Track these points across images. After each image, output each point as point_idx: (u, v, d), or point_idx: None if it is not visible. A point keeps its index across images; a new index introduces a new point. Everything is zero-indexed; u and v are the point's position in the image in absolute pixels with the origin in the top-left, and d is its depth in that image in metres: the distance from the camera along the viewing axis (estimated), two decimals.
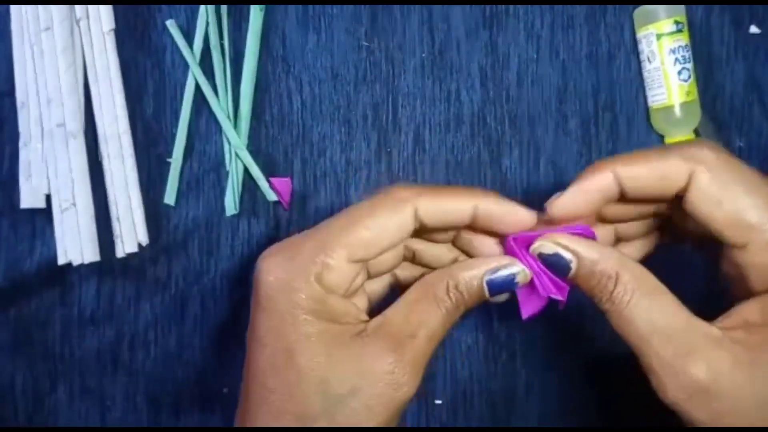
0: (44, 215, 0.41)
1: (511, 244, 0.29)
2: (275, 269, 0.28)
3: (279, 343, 0.27)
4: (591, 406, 0.42)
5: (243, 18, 0.42)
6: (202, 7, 0.41)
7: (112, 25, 0.41)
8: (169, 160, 0.42)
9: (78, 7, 0.41)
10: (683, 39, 0.40)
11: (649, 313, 0.26)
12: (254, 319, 0.28)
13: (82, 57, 0.41)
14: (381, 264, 0.31)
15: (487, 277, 0.29)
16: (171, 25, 0.41)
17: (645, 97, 0.42)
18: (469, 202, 0.29)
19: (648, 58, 0.41)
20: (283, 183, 0.42)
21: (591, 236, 0.29)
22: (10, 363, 0.42)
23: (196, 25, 0.42)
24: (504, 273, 0.29)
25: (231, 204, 0.41)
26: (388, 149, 0.42)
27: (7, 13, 0.41)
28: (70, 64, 0.41)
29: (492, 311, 0.42)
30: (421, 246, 0.32)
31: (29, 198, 0.41)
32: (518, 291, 0.30)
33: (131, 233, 0.41)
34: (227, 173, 0.42)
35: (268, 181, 0.42)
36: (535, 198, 0.42)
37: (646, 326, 0.26)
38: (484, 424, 0.42)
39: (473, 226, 0.30)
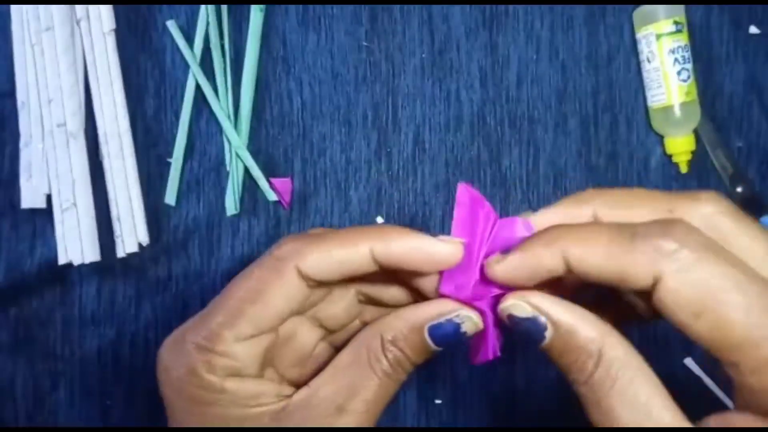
0: (45, 215, 0.41)
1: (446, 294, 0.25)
2: (167, 362, 0.25)
3: None
4: None
5: (243, 18, 0.42)
6: (203, 7, 0.41)
7: (113, 26, 0.41)
8: (169, 160, 0.42)
9: (79, 8, 0.41)
10: (683, 39, 0.40)
11: (633, 405, 0.22)
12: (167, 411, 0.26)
13: (82, 57, 0.41)
14: (334, 319, 0.28)
15: (428, 326, 0.24)
16: (171, 25, 0.42)
17: (644, 98, 0.42)
18: (360, 246, 0.24)
19: (647, 59, 0.41)
20: (284, 183, 0.42)
21: None
22: (10, 362, 0.42)
23: (196, 25, 0.42)
24: (451, 322, 0.24)
25: (231, 204, 0.41)
26: (388, 149, 0.42)
27: (8, 13, 0.41)
28: (70, 64, 0.41)
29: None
30: (370, 290, 0.28)
31: (30, 198, 0.41)
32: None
33: (132, 233, 0.41)
34: (228, 173, 0.42)
35: (269, 181, 0.42)
36: (535, 198, 0.42)
37: (626, 419, 0.22)
38: (483, 424, 0.42)
39: (389, 271, 0.25)
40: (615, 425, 0.22)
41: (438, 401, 0.42)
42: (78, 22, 0.41)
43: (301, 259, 0.24)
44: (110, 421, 0.42)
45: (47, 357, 0.42)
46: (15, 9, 0.41)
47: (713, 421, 0.22)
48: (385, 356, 0.24)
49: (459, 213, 0.25)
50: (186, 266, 0.42)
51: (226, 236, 0.42)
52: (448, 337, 0.24)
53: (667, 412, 0.22)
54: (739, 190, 0.41)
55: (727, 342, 0.20)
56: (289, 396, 0.25)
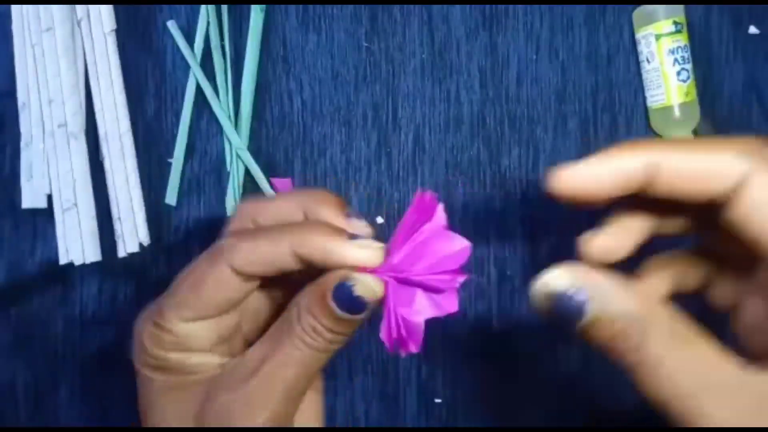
0: (46, 215, 0.41)
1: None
2: (134, 333, 0.28)
3: (141, 399, 0.28)
4: (592, 406, 0.42)
5: (243, 18, 0.42)
6: (203, 7, 0.42)
7: (113, 26, 0.41)
8: (170, 160, 0.42)
9: (79, 8, 0.41)
10: (682, 39, 0.40)
11: (692, 363, 0.21)
12: None
13: (83, 57, 0.41)
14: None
15: (330, 292, 0.24)
16: (172, 25, 0.42)
17: (644, 98, 0.42)
18: (282, 244, 0.25)
19: (647, 59, 0.41)
20: (284, 183, 0.42)
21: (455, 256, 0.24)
22: (11, 362, 0.42)
23: (196, 25, 0.42)
24: (344, 285, 0.24)
25: (232, 204, 0.42)
26: (388, 149, 0.42)
27: (9, 13, 0.41)
28: (71, 64, 0.41)
29: (492, 311, 0.42)
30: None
31: (31, 198, 0.41)
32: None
33: (132, 233, 0.41)
34: (228, 173, 0.42)
35: (269, 182, 0.42)
36: (535, 198, 0.42)
37: (690, 383, 0.21)
38: (484, 423, 0.42)
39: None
40: (676, 391, 0.21)
41: (438, 401, 0.42)
42: (78, 23, 0.41)
43: (233, 256, 0.26)
44: (110, 421, 0.42)
45: (48, 357, 0.42)
46: (15, 9, 0.41)
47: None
48: (300, 323, 0.25)
49: (408, 216, 0.25)
50: (187, 266, 0.42)
51: None
52: (346, 301, 0.24)
53: (727, 359, 0.21)
54: None
55: None
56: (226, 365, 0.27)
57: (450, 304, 0.25)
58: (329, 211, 0.27)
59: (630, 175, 0.22)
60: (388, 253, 0.25)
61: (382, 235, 0.43)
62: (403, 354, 0.25)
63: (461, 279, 0.25)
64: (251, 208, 0.28)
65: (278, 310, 0.29)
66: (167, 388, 0.27)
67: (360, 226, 0.27)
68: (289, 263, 0.25)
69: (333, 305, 0.24)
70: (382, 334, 0.25)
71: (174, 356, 0.27)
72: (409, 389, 0.42)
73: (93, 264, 0.40)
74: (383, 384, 0.42)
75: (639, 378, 0.22)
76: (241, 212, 0.29)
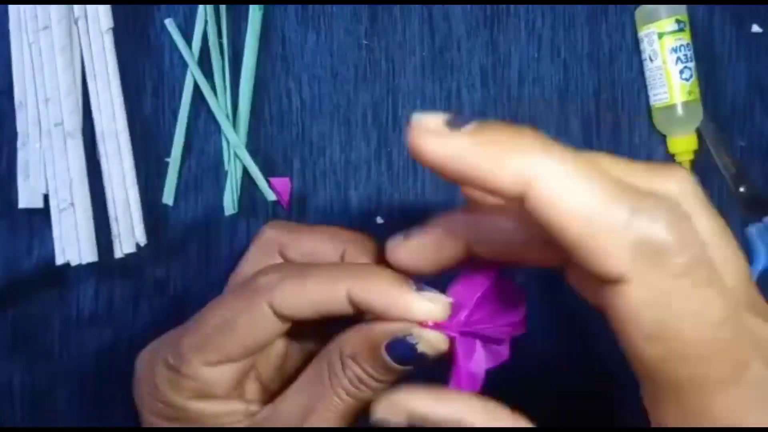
0: (42, 215, 0.41)
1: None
2: (139, 374, 0.25)
3: None
4: (592, 406, 0.42)
5: (242, 17, 0.42)
6: (201, 6, 0.41)
7: (111, 24, 0.41)
8: (167, 159, 0.42)
9: (76, 6, 0.41)
10: (685, 38, 0.40)
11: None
12: None
13: (80, 56, 0.41)
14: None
15: (385, 343, 0.22)
16: (170, 24, 0.41)
17: (647, 97, 0.42)
18: (338, 287, 0.23)
19: (650, 58, 0.41)
20: (283, 183, 0.41)
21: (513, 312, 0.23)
22: (7, 363, 0.42)
23: (194, 24, 0.42)
24: (405, 341, 0.22)
25: (230, 204, 0.41)
26: (388, 149, 0.42)
27: (5, 12, 0.41)
28: (68, 63, 0.40)
29: None
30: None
31: (27, 198, 0.41)
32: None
33: (129, 233, 0.41)
34: (226, 173, 0.42)
35: (267, 181, 0.41)
36: None
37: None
38: None
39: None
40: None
41: None
42: (75, 21, 0.41)
43: (274, 295, 0.23)
44: (108, 421, 0.42)
45: (45, 358, 0.42)
46: (12, 8, 0.41)
47: None
48: (345, 373, 0.23)
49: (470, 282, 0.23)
50: (184, 266, 0.42)
51: (225, 236, 0.42)
52: (405, 357, 0.23)
53: None
54: (742, 189, 0.41)
55: (670, 379, 0.18)
56: (255, 414, 0.24)
57: (504, 353, 0.24)
58: (373, 257, 0.24)
59: (456, 252, 0.21)
60: (454, 308, 0.23)
61: (382, 235, 0.42)
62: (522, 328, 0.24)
63: (520, 332, 0.24)
64: (279, 235, 0.26)
65: (298, 351, 0.27)
66: None
67: (436, 296, 0.23)
68: (341, 308, 0.23)
69: (387, 357, 0.23)
70: (452, 384, 0.24)
71: (195, 405, 0.24)
72: None
73: (89, 264, 0.40)
74: None
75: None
76: (265, 242, 0.26)
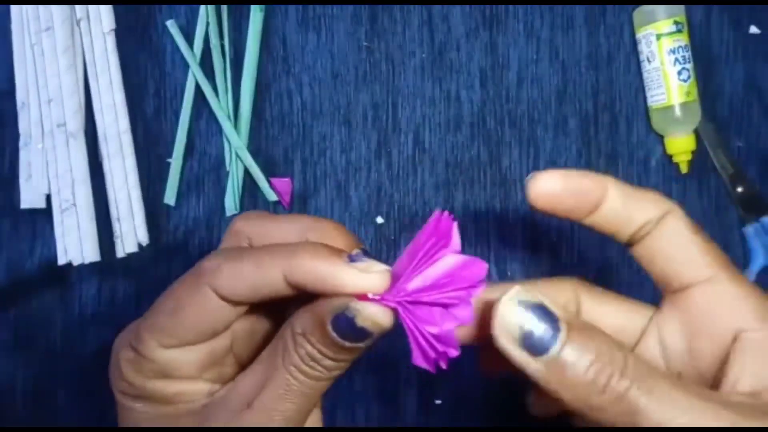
0: (44, 215, 0.41)
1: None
2: (112, 354, 0.25)
3: (122, 425, 0.25)
4: None
5: (243, 18, 0.42)
6: (202, 7, 0.41)
7: (113, 26, 0.41)
8: (169, 160, 0.42)
9: (78, 8, 0.41)
10: (683, 39, 0.40)
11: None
12: None
13: (82, 57, 0.41)
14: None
15: (330, 319, 0.22)
16: (171, 25, 0.41)
17: (645, 98, 0.42)
18: (273, 268, 0.22)
19: (647, 59, 0.41)
20: (284, 183, 0.42)
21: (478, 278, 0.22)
22: (10, 362, 0.42)
23: (196, 25, 0.42)
24: (344, 315, 0.22)
25: (231, 204, 0.41)
26: (388, 149, 0.42)
27: (8, 13, 0.41)
28: (70, 64, 0.41)
29: None
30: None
31: (29, 198, 0.41)
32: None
33: (131, 233, 0.41)
34: (227, 173, 0.42)
35: (269, 182, 0.42)
36: None
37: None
38: (484, 424, 0.42)
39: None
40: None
41: (438, 401, 0.42)
42: (78, 22, 0.41)
43: (216, 280, 0.23)
44: (110, 421, 0.42)
45: (47, 357, 0.42)
46: (15, 9, 0.41)
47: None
48: (296, 351, 0.23)
49: (422, 237, 0.22)
50: (186, 266, 0.41)
51: None
52: (348, 331, 0.22)
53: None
54: (739, 190, 0.41)
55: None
56: (213, 394, 0.25)
57: (465, 316, 0.23)
58: (334, 241, 0.24)
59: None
60: (395, 277, 0.22)
61: (381, 236, 0.43)
62: (445, 366, 0.23)
63: (475, 291, 0.23)
64: (247, 226, 0.26)
65: (275, 330, 0.27)
66: (150, 418, 0.25)
67: (370, 265, 0.23)
68: (280, 289, 0.23)
69: (333, 334, 0.22)
70: (416, 360, 0.23)
71: (155, 385, 0.24)
72: (409, 389, 0.42)
73: (92, 264, 0.40)
74: (383, 384, 0.42)
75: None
76: (235, 230, 0.26)
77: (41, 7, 0.40)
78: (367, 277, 0.22)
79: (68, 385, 0.42)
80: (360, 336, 0.22)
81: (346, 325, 0.22)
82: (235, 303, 0.24)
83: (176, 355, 0.24)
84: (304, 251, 0.22)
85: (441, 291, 0.22)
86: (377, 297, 0.22)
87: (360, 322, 0.22)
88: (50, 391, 0.42)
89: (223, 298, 0.23)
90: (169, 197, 0.42)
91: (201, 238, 0.42)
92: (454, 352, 0.22)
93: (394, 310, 0.22)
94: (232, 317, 0.24)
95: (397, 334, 0.41)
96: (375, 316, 0.22)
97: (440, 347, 0.22)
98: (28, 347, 0.42)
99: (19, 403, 0.42)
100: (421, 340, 0.22)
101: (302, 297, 0.23)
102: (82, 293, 0.42)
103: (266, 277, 0.23)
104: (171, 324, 0.24)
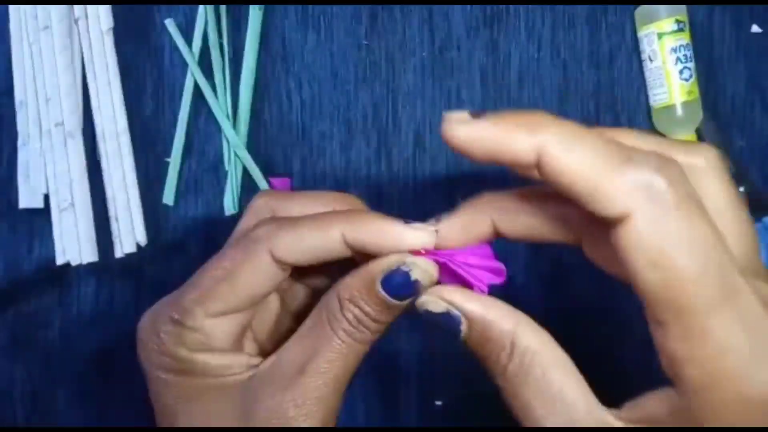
0: (42, 215, 0.41)
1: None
2: (143, 335, 0.26)
3: (160, 404, 0.26)
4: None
5: (242, 17, 0.42)
6: (201, 6, 0.41)
7: (111, 25, 0.41)
8: (167, 159, 0.42)
9: (77, 7, 0.41)
10: (684, 38, 0.40)
11: (546, 396, 0.22)
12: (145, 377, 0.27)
13: (80, 56, 0.41)
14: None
15: (380, 279, 0.24)
16: (170, 24, 0.41)
17: (646, 97, 0.42)
18: (332, 230, 0.24)
19: (649, 58, 0.41)
20: (283, 183, 0.41)
21: (494, 265, 0.25)
22: (8, 363, 0.42)
23: (195, 24, 0.42)
24: (400, 271, 0.24)
25: (230, 204, 0.41)
26: (388, 149, 0.42)
27: (6, 12, 0.41)
28: (68, 63, 0.40)
29: None
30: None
31: (27, 198, 0.41)
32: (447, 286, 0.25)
33: (130, 233, 0.41)
34: (226, 173, 0.42)
35: (268, 181, 0.41)
36: None
37: (541, 411, 0.22)
38: (484, 424, 0.42)
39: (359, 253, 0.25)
40: (531, 417, 0.23)
41: (438, 402, 0.42)
42: (76, 21, 0.41)
43: (274, 243, 0.24)
44: (108, 421, 0.42)
45: (45, 357, 0.42)
46: (13, 8, 0.41)
47: (627, 406, 0.22)
48: (344, 315, 0.24)
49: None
50: (184, 266, 0.42)
51: (225, 236, 0.41)
52: (400, 288, 0.24)
53: (582, 400, 0.23)
54: (741, 189, 0.41)
55: (670, 302, 0.19)
56: (257, 365, 0.26)
57: (500, 275, 0.26)
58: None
59: (518, 156, 0.21)
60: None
61: None
62: (502, 279, 0.25)
63: (497, 280, 0.25)
64: (270, 202, 0.27)
65: (288, 314, 0.29)
66: (193, 392, 0.25)
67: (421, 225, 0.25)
68: (337, 250, 0.24)
69: (383, 293, 0.24)
70: (480, 286, 0.25)
71: (200, 357, 0.25)
72: (409, 390, 0.42)
73: (90, 264, 0.40)
74: (383, 384, 0.42)
75: (504, 399, 0.24)
76: (258, 209, 0.27)
77: (39, 6, 0.40)
78: (422, 233, 0.24)
79: (67, 386, 0.42)
80: (410, 290, 0.24)
81: (398, 283, 0.24)
82: (288, 266, 0.25)
83: (219, 324, 0.25)
84: (362, 215, 0.25)
85: (468, 264, 0.25)
86: (429, 252, 0.24)
87: (415, 275, 0.24)
88: (48, 391, 0.42)
89: (278, 261, 0.25)
90: (168, 197, 0.42)
91: (200, 237, 0.42)
92: (502, 275, 0.25)
93: (441, 264, 0.24)
94: (278, 282, 0.26)
95: (397, 333, 0.41)
96: (429, 267, 0.24)
97: (484, 270, 0.25)
98: (26, 348, 0.42)
99: (18, 404, 0.42)
100: (464, 274, 0.25)
101: (340, 266, 0.25)
102: (80, 293, 0.42)
103: (325, 237, 0.24)
104: (222, 289, 0.25)
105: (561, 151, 0.20)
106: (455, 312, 0.24)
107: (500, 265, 0.25)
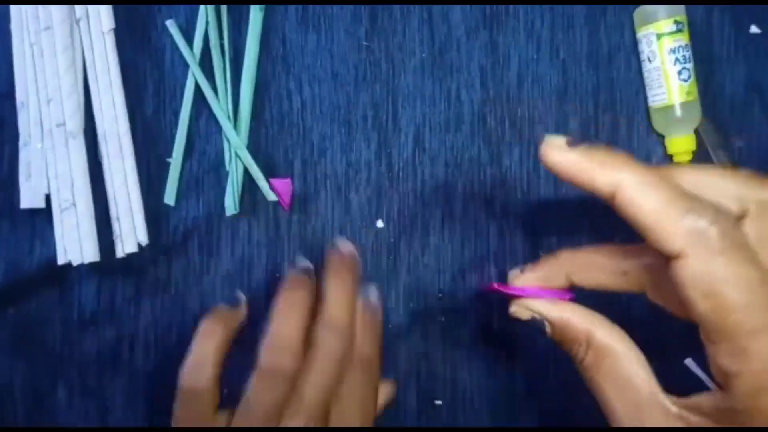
0: (44, 215, 0.41)
1: (495, 287, 0.33)
2: None
3: None
4: (591, 406, 0.42)
5: (243, 18, 0.42)
6: (202, 7, 0.41)
7: (112, 25, 0.41)
8: (168, 160, 0.42)
9: (78, 7, 0.41)
10: (683, 39, 0.40)
11: (617, 382, 0.28)
12: None
13: (81, 57, 0.41)
14: None
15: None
16: (171, 25, 0.41)
17: (645, 97, 0.42)
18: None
19: (648, 58, 0.41)
20: (283, 183, 0.41)
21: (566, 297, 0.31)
22: (9, 363, 0.42)
23: (195, 25, 0.42)
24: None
25: (231, 204, 0.41)
26: (388, 149, 0.42)
27: (7, 12, 0.41)
28: (69, 63, 0.40)
29: (493, 311, 0.42)
30: None
31: (29, 198, 0.41)
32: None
33: (131, 233, 0.41)
34: (227, 173, 0.42)
35: (268, 182, 0.41)
36: (535, 198, 0.42)
37: (611, 392, 0.28)
38: (484, 424, 0.42)
39: None
40: (604, 397, 0.28)
41: (438, 401, 0.42)
42: (77, 22, 0.41)
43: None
44: (109, 421, 0.42)
45: (46, 357, 0.42)
46: (14, 8, 0.41)
47: (683, 397, 0.27)
48: None
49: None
50: (185, 267, 0.42)
51: (226, 237, 0.42)
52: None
53: (646, 384, 0.27)
54: None
55: (719, 326, 0.24)
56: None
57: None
58: None
59: (598, 189, 0.26)
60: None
61: (381, 237, 0.43)
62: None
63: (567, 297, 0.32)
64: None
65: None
66: None
67: None
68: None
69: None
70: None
71: None
72: (409, 389, 0.42)
73: (91, 264, 0.40)
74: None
75: (586, 384, 0.29)
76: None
77: (40, 6, 0.40)
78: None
79: (67, 385, 0.42)
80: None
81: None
82: None
83: None
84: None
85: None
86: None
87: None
88: (49, 391, 0.42)
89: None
90: (169, 197, 0.42)
91: (200, 238, 0.42)
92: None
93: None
94: None
95: (397, 333, 0.41)
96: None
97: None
98: (27, 347, 0.42)
99: (18, 403, 0.42)
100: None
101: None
102: (81, 293, 0.42)
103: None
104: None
105: (634, 192, 0.25)
106: (539, 317, 0.30)
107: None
